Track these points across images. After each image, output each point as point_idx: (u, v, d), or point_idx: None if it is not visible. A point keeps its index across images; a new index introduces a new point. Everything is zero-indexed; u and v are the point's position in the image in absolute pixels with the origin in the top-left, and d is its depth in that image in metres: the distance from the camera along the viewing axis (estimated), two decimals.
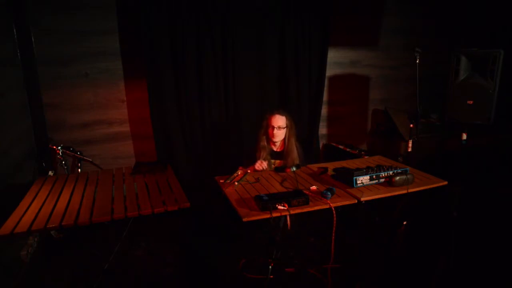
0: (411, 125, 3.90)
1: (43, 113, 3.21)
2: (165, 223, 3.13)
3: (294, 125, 2.80)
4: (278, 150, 2.83)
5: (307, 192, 2.01)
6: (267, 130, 2.77)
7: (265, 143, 2.77)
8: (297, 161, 2.74)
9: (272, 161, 2.79)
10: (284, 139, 2.78)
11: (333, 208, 1.88)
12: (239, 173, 2.27)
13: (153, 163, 2.71)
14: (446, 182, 2.21)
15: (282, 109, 2.81)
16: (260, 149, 2.76)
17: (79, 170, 3.32)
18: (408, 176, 2.13)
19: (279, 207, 1.83)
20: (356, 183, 2.12)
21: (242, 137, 3.71)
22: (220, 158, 3.67)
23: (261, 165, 2.61)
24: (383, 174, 2.18)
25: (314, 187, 2.12)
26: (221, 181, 2.23)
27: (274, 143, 2.79)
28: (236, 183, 2.20)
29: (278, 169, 2.62)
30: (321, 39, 3.81)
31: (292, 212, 1.84)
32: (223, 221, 3.14)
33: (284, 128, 2.73)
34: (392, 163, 2.60)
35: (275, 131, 2.70)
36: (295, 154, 2.77)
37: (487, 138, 4.51)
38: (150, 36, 3.20)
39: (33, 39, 3.06)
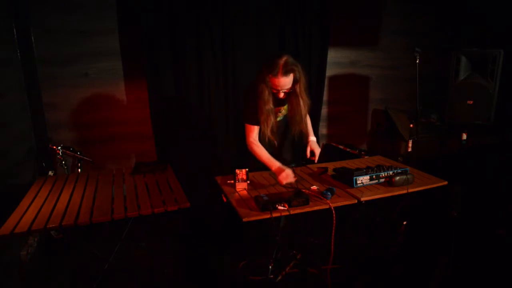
0: (411, 125, 3.91)
1: (43, 113, 3.21)
2: (165, 223, 3.13)
3: (303, 75, 2.19)
4: (283, 97, 2.28)
5: (307, 192, 2.01)
6: (269, 91, 2.19)
7: (269, 106, 2.21)
8: (302, 112, 2.28)
9: (278, 108, 2.34)
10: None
11: (332, 208, 1.88)
12: (237, 173, 2.26)
13: (153, 163, 2.70)
14: (446, 182, 2.21)
15: (287, 64, 2.09)
16: (263, 112, 2.22)
17: (79, 170, 3.32)
18: (408, 176, 2.13)
19: (279, 207, 1.82)
20: (356, 183, 2.12)
21: (242, 136, 3.70)
22: (220, 158, 3.67)
23: (287, 178, 2.12)
24: (383, 174, 2.17)
25: (314, 187, 2.11)
26: (229, 182, 2.22)
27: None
28: (248, 181, 2.19)
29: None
30: (321, 39, 3.81)
31: (292, 212, 1.84)
32: (223, 221, 3.14)
33: (290, 86, 2.17)
34: (392, 163, 2.60)
35: (281, 94, 2.20)
36: (304, 108, 2.28)
37: (487, 138, 4.51)
38: (150, 36, 3.20)
39: (33, 39, 3.06)
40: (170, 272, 2.50)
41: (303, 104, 2.28)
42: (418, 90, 3.12)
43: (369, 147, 4.54)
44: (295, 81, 2.17)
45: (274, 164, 2.22)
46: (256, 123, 2.31)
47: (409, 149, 3.76)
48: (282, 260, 2.47)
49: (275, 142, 2.38)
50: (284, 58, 2.11)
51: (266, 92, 2.18)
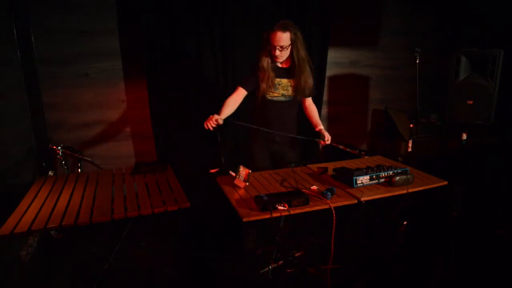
0: (411, 125, 3.91)
1: (43, 113, 3.21)
2: (165, 223, 3.13)
3: (300, 36, 2.35)
4: (284, 66, 2.45)
5: (307, 192, 2.01)
6: (268, 48, 2.36)
7: (266, 63, 2.37)
8: (310, 82, 2.44)
9: (278, 80, 2.44)
10: (290, 55, 2.38)
11: (332, 208, 1.88)
12: (241, 169, 2.25)
13: (153, 163, 2.71)
14: (446, 182, 2.21)
15: (286, 23, 2.30)
16: (261, 70, 2.38)
17: (79, 170, 3.32)
18: (408, 176, 2.13)
19: (279, 207, 1.82)
20: (356, 183, 2.12)
21: (242, 136, 3.71)
22: (220, 158, 3.67)
23: (211, 121, 2.27)
24: (383, 174, 2.18)
25: (314, 187, 2.11)
26: (232, 174, 2.20)
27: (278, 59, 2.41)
28: (247, 183, 2.19)
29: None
30: (321, 39, 3.81)
31: (292, 212, 1.84)
32: (223, 221, 3.14)
33: (288, 45, 2.32)
34: (392, 163, 2.60)
35: (277, 52, 2.32)
36: (307, 72, 2.41)
37: (487, 138, 4.51)
38: (150, 36, 3.20)
39: (33, 39, 3.06)
40: (170, 272, 2.50)
41: (301, 60, 2.37)
42: (418, 90, 3.12)
43: (369, 147, 4.54)
44: (292, 42, 2.31)
45: (221, 113, 2.37)
46: (245, 87, 2.45)
47: (409, 149, 3.76)
48: (282, 260, 2.47)
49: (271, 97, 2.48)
50: (284, 20, 2.33)
51: (265, 53, 2.36)
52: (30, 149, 3.05)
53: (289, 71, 2.44)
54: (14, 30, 2.91)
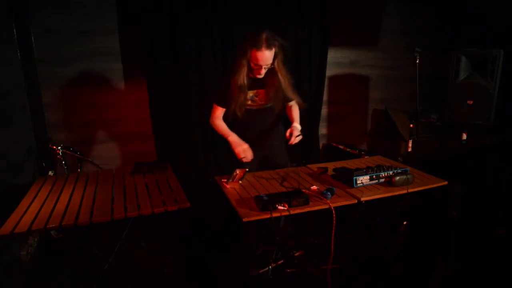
0: (411, 125, 3.91)
1: (43, 113, 3.21)
2: (165, 223, 3.13)
3: (281, 50, 2.19)
4: (259, 77, 2.29)
5: (307, 192, 2.01)
6: (250, 66, 2.19)
7: (244, 80, 2.20)
8: (290, 91, 2.31)
9: (251, 93, 2.31)
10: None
11: (332, 208, 1.88)
12: (237, 172, 2.27)
13: (153, 163, 2.70)
14: (446, 182, 2.21)
15: (269, 38, 2.11)
16: (239, 87, 2.21)
17: (79, 170, 3.32)
18: (408, 176, 2.13)
19: (279, 207, 1.82)
20: (356, 183, 2.12)
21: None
22: (219, 157, 3.67)
23: (245, 153, 2.21)
24: (383, 174, 2.17)
25: (314, 187, 2.11)
26: (223, 180, 2.22)
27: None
28: (240, 182, 2.20)
29: None
30: (321, 39, 3.81)
31: (292, 212, 1.84)
32: (223, 221, 3.14)
33: (271, 61, 2.17)
34: (392, 163, 2.60)
35: (263, 70, 2.19)
36: (288, 79, 2.28)
37: (487, 138, 4.52)
38: (150, 36, 3.20)
39: (33, 39, 3.06)
40: (170, 272, 2.50)
41: (283, 78, 2.25)
42: (418, 90, 3.12)
43: (369, 147, 4.54)
44: (275, 56, 2.18)
45: (230, 134, 2.28)
46: (224, 105, 2.36)
47: (409, 149, 3.76)
48: (282, 260, 2.47)
49: (241, 116, 2.33)
50: (265, 33, 2.12)
51: (245, 68, 2.19)
52: (30, 149, 3.05)
53: (263, 81, 2.31)
54: (14, 30, 2.91)
